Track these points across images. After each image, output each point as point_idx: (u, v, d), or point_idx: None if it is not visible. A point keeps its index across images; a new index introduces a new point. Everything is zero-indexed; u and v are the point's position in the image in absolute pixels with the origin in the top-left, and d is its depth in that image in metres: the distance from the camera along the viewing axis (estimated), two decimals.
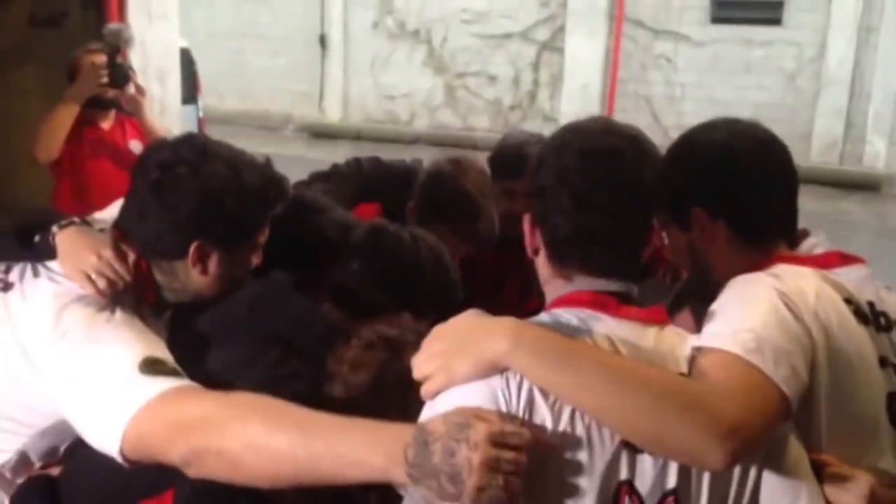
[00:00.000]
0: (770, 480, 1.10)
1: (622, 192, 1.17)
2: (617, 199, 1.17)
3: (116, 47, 3.16)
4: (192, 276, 1.46)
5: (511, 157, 2.18)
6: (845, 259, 1.33)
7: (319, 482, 1.11)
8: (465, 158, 2.07)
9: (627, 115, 10.35)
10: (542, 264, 1.24)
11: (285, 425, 1.13)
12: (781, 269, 1.26)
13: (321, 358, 1.37)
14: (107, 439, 1.23)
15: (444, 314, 1.57)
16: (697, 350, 1.12)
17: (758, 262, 1.29)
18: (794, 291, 1.19)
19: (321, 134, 11.60)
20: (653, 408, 1.01)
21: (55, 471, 1.41)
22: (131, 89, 3.25)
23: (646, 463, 1.06)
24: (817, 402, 1.18)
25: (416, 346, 1.21)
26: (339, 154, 10.08)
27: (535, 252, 1.24)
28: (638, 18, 10.18)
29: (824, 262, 1.31)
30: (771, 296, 1.17)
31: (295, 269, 1.63)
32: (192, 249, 1.43)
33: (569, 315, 1.15)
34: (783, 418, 1.09)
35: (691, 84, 10.08)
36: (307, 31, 12.00)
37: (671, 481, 1.07)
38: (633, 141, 1.22)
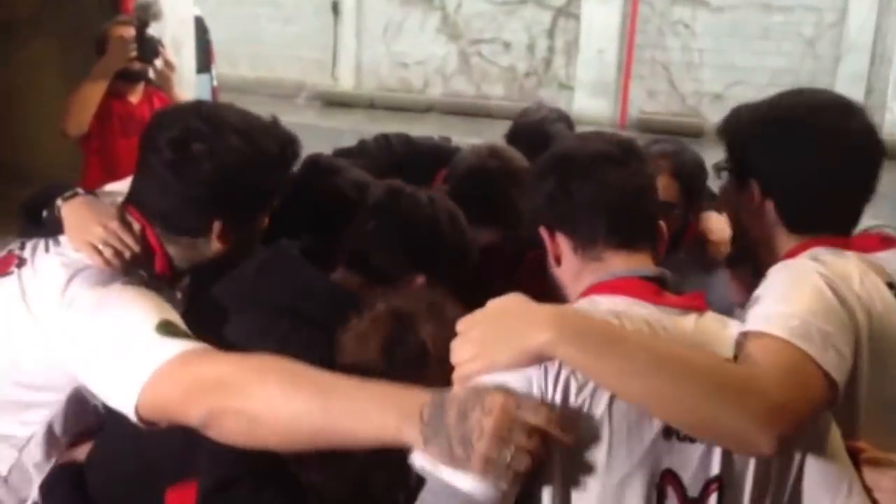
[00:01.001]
0: (812, 469, 1.10)
1: (627, 160, 1.22)
2: (622, 174, 1.21)
3: (145, 21, 3.17)
4: (212, 247, 1.47)
5: (533, 136, 2.16)
6: (886, 242, 1.33)
7: (335, 443, 1.12)
8: (507, 152, 1.98)
9: (644, 81, 10.24)
10: (566, 266, 1.24)
11: (303, 386, 1.13)
12: (822, 252, 1.25)
13: (332, 326, 1.36)
14: (123, 399, 1.24)
15: (459, 277, 1.57)
16: (744, 335, 1.12)
17: (796, 245, 1.29)
18: (838, 275, 1.19)
19: (334, 102, 11.54)
20: (700, 393, 1.00)
21: (81, 455, 1.42)
22: (160, 63, 3.26)
23: (686, 451, 1.06)
24: (858, 385, 1.18)
25: (428, 316, 1.21)
26: (351, 122, 10.06)
27: (559, 260, 1.25)
28: None
29: (864, 245, 1.30)
30: (816, 280, 1.16)
31: (315, 232, 1.63)
32: (216, 226, 1.44)
33: (607, 301, 1.14)
34: (830, 403, 1.08)
35: (709, 50, 9.93)
36: None
37: (715, 468, 1.06)
38: (622, 147, 1.26)
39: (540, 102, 2.70)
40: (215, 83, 6.99)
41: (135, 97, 3.34)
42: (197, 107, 1.52)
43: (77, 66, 3.30)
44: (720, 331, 1.14)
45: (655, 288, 1.16)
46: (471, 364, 1.07)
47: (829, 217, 1.32)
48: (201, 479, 1.25)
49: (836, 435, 1.14)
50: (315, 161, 1.86)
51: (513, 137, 2.25)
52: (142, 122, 3.31)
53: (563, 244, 1.24)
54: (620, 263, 1.19)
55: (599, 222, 1.20)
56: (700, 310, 1.16)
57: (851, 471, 1.13)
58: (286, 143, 1.49)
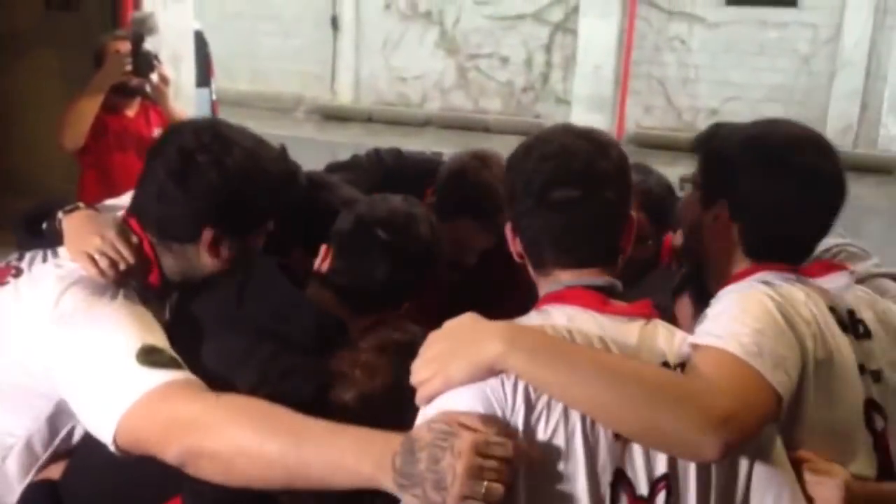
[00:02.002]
0: (758, 475, 1.14)
1: (579, 186, 1.21)
2: (574, 191, 1.20)
3: (141, 35, 3.18)
4: (202, 259, 1.48)
5: None
6: (828, 267, 1.38)
7: (309, 487, 1.13)
8: (488, 151, 2.06)
9: (641, 96, 10.30)
10: (529, 267, 1.29)
11: (277, 431, 1.14)
12: (771, 277, 1.31)
13: (316, 349, 1.37)
14: (101, 429, 1.25)
15: (431, 272, 1.58)
16: (694, 347, 1.16)
17: (747, 268, 1.34)
18: (787, 300, 1.24)
19: (332, 116, 11.59)
20: (645, 402, 1.05)
21: (56, 473, 1.41)
22: (155, 78, 3.28)
23: (635, 451, 1.10)
24: (803, 407, 1.23)
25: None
26: (350, 136, 10.09)
27: (521, 256, 1.30)
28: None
29: (808, 271, 1.36)
30: (767, 303, 1.22)
31: (304, 246, 1.63)
32: (206, 235, 1.45)
33: (558, 312, 1.19)
34: (773, 418, 1.13)
35: (705, 66, 10.00)
36: (318, 12, 11.96)
37: (661, 467, 1.10)
38: (586, 139, 1.25)
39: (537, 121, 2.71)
40: (215, 97, 7.03)
41: (131, 111, 3.36)
42: (211, 123, 1.55)
43: (78, 78, 3.32)
44: (665, 338, 1.18)
45: (602, 297, 1.20)
46: (429, 384, 1.10)
47: (788, 249, 1.36)
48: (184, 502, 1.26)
49: (778, 446, 1.18)
50: (306, 177, 1.86)
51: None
52: (137, 137, 3.33)
53: (521, 249, 1.30)
54: (569, 277, 1.24)
55: (546, 249, 1.24)
56: (647, 317, 1.20)
57: (792, 479, 1.17)
58: (288, 171, 1.53)
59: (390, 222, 1.52)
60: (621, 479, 1.09)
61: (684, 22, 10.04)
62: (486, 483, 0.99)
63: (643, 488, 1.10)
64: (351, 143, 9.51)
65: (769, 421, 1.13)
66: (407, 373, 1.22)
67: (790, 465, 1.18)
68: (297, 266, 1.55)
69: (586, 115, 10.14)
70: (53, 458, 1.43)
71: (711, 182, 1.40)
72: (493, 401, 1.07)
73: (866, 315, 1.35)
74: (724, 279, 1.36)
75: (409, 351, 1.28)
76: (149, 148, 1.52)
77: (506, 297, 1.77)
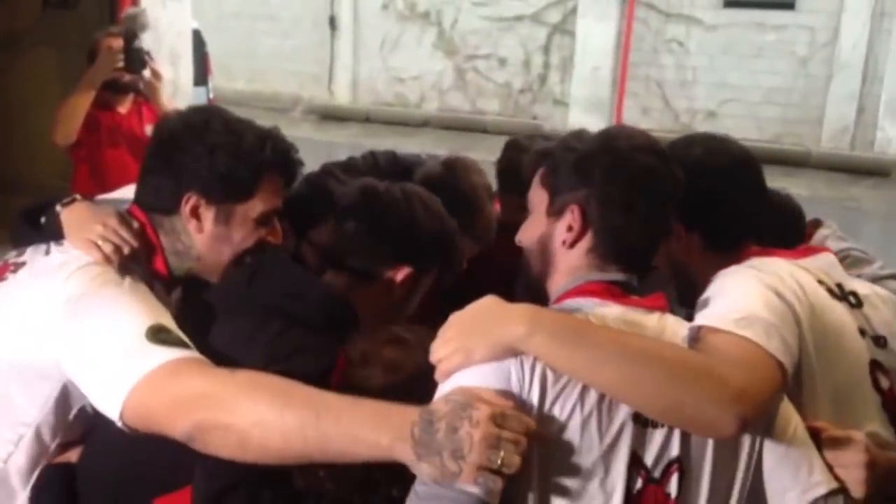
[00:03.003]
0: (771, 452, 1.16)
1: (658, 202, 1.26)
2: (653, 207, 1.26)
3: (133, 31, 3.19)
4: (190, 232, 1.48)
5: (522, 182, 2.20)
6: (811, 250, 1.44)
7: (326, 460, 1.13)
8: (460, 160, 2.08)
9: (639, 98, 10.31)
10: (573, 255, 1.27)
11: (295, 403, 1.14)
12: (756, 260, 1.35)
13: (327, 328, 1.38)
14: (108, 404, 1.24)
15: (446, 265, 1.59)
16: (695, 330, 1.19)
17: (733, 261, 1.38)
18: (772, 275, 1.28)
19: (330, 116, 11.59)
20: (666, 379, 1.07)
21: (74, 457, 1.42)
22: (148, 74, 3.28)
23: (650, 434, 1.12)
24: (809, 373, 1.26)
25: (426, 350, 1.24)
26: (347, 136, 10.09)
27: (573, 243, 1.26)
28: (650, 1, 10.11)
29: (793, 254, 1.41)
30: (753, 281, 1.26)
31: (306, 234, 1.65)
32: (184, 201, 1.45)
33: (578, 304, 1.21)
34: (782, 386, 1.15)
35: (703, 68, 10.01)
36: (317, 13, 11.96)
37: (674, 450, 1.12)
38: (663, 158, 1.29)
39: (530, 134, 2.70)
40: (212, 96, 7.03)
41: (123, 108, 3.36)
42: (202, 107, 1.60)
43: (75, 76, 3.31)
44: (679, 329, 1.21)
45: (620, 290, 1.23)
46: (449, 360, 1.12)
47: (746, 226, 1.43)
48: (195, 489, 1.25)
49: (792, 416, 1.19)
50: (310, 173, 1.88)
51: (503, 178, 2.28)
52: (130, 133, 3.34)
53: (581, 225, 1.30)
54: (600, 274, 1.26)
55: (610, 248, 1.26)
56: (662, 309, 1.23)
57: (812, 450, 1.18)
58: (269, 139, 1.51)
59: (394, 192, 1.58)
60: (636, 462, 1.11)
61: (682, 24, 10.06)
62: (502, 453, 1.01)
63: (657, 471, 1.11)
64: (348, 143, 9.51)
65: (778, 390, 1.14)
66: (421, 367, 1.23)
67: (808, 436, 1.19)
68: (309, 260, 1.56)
69: (584, 116, 10.16)
70: (68, 445, 1.43)
71: None
72: (511, 380, 1.09)
73: (859, 289, 1.39)
74: None
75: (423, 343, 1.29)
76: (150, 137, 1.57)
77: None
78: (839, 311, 1.32)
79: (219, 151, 1.45)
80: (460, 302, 1.19)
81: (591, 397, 1.09)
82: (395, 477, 1.12)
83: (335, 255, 1.55)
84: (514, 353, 1.09)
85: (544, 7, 10.72)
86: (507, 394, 1.08)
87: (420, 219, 1.56)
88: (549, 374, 1.09)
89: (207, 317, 1.44)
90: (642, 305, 1.22)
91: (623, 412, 1.10)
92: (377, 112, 11.48)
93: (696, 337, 1.18)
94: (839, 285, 1.38)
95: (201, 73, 6.32)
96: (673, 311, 1.28)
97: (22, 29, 4.48)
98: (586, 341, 1.09)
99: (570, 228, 1.25)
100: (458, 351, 1.11)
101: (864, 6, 9.16)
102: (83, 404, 1.39)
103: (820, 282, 1.34)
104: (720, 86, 9.88)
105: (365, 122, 11.27)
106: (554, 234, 1.27)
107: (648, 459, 1.11)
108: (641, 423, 1.11)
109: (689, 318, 1.27)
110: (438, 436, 1.02)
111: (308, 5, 12.00)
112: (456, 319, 1.15)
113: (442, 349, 1.13)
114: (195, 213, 1.47)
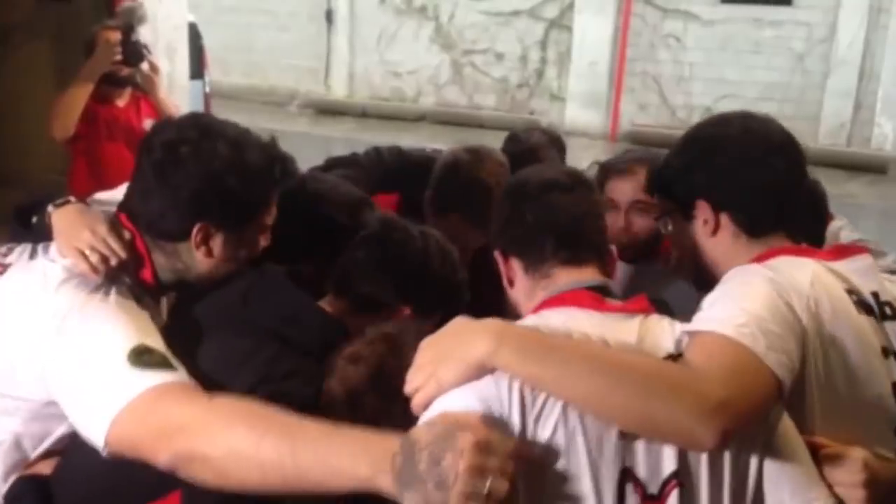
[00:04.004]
0: (771, 466, 1.12)
1: (573, 187, 1.33)
2: (570, 193, 1.32)
3: (131, 24, 3.18)
4: (196, 258, 1.45)
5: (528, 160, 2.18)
6: (848, 250, 1.36)
7: (307, 490, 1.11)
8: (483, 148, 2.06)
9: (636, 94, 10.30)
10: (519, 287, 1.31)
11: (272, 433, 1.12)
12: (780, 260, 1.29)
13: (318, 354, 1.36)
14: (92, 434, 1.23)
15: (449, 314, 1.58)
16: (691, 334, 1.15)
17: (759, 253, 1.32)
18: (787, 281, 1.22)
19: (326, 110, 11.55)
20: (639, 392, 1.03)
21: (47, 470, 1.39)
22: (146, 67, 3.27)
23: (642, 449, 1.08)
24: (809, 389, 1.21)
25: (415, 347, 1.23)
26: (343, 130, 10.06)
27: (512, 282, 1.33)
28: None
29: (826, 254, 1.34)
30: (764, 285, 1.20)
31: (308, 258, 1.62)
32: (195, 231, 1.42)
33: (555, 314, 1.19)
34: (774, 400, 1.11)
35: (700, 63, 10.00)
36: (313, 7, 11.91)
37: (669, 465, 1.08)
38: (569, 174, 1.38)
39: (530, 127, 2.68)
40: (208, 89, 6.99)
41: (121, 101, 3.35)
42: (195, 117, 1.53)
43: (71, 70, 3.30)
44: (665, 331, 1.18)
45: (598, 296, 1.21)
46: (424, 391, 1.10)
47: (778, 207, 1.38)
48: (184, 496, 1.24)
49: (792, 432, 1.16)
50: (302, 184, 1.77)
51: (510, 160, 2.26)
52: (128, 127, 3.33)
53: (516, 266, 1.32)
54: (567, 278, 1.25)
55: (548, 240, 1.27)
56: (645, 312, 1.20)
57: (811, 467, 1.15)
58: (276, 159, 1.48)
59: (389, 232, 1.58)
60: (629, 478, 1.07)
61: (679, 19, 10.04)
62: (489, 481, 0.98)
63: (654, 487, 1.08)
64: (345, 137, 9.50)
65: (770, 404, 1.11)
66: (391, 361, 1.22)
67: (807, 452, 1.16)
68: (309, 278, 1.54)
69: (581, 111, 10.14)
70: (43, 456, 1.40)
71: (684, 195, 1.42)
72: (488, 400, 1.06)
73: (893, 296, 1.33)
74: None
75: (395, 340, 1.28)
76: (139, 145, 1.50)
77: (502, 297, 1.77)
78: (862, 328, 1.26)
79: (228, 178, 1.41)
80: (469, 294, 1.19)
81: (574, 412, 1.06)
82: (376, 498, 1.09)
83: (342, 281, 1.54)
84: (484, 371, 1.07)
85: (541, 2, 10.69)
86: (488, 417, 1.05)
87: (433, 265, 1.55)
88: (527, 392, 1.06)
89: (199, 330, 1.41)
90: (622, 310, 1.19)
91: (609, 425, 1.07)
92: (374, 106, 11.44)
93: (692, 339, 1.14)
94: (874, 294, 1.31)
95: (197, 67, 6.29)
96: (687, 298, 1.28)
97: (17, 21, 4.45)
98: (555, 355, 1.06)
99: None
100: (431, 378, 1.09)
101: (862, 2, 9.14)
102: (67, 424, 1.36)
103: (850, 291, 1.27)
104: (717, 81, 9.87)
105: (361, 117, 11.23)
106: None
107: (642, 473, 1.08)
108: (630, 436, 1.07)
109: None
110: (421, 467, 0.99)
111: None
112: (427, 344, 1.13)
113: (416, 379, 1.11)
114: (205, 241, 1.44)
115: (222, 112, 1.57)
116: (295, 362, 1.35)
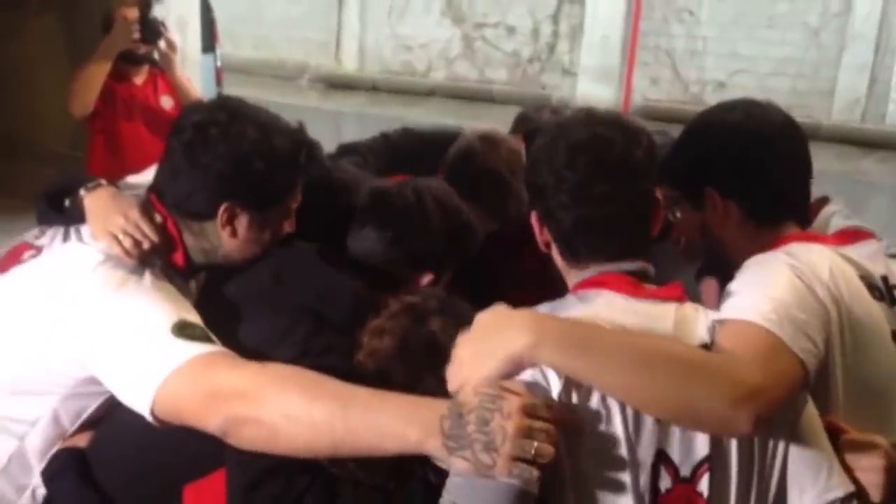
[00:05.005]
0: (795, 453, 1.14)
1: (616, 179, 1.22)
2: (612, 185, 1.21)
3: (148, 2, 3.19)
4: (222, 238, 1.48)
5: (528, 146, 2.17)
6: (856, 235, 1.39)
7: (356, 453, 1.14)
8: (497, 134, 2.05)
9: (648, 68, 10.20)
10: (556, 257, 1.30)
11: (324, 396, 1.15)
12: (795, 247, 1.30)
13: (352, 331, 1.39)
14: (138, 399, 1.26)
15: (466, 257, 1.59)
16: (720, 322, 1.17)
17: (769, 241, 1.34)
18: (808, 267, 1.23)
19: (337, 84, 11.51)
20: (676, 382, 1.06)
21: (82, 441, 1.42)
22: (163, 45, 3.27)
23: (676, 433, 1.11)
24: (833, 374, 1.23)
25: (440, 312, 1.25)
26: (354, 105, 10.02)
27: (547, 246, 1.31)
28: None
29: (836, 240, 1.36)
30: (787, 272, 1.22)
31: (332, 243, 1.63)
32: (221, 211, 1.46)
33: (597, 297, 1.20)
34: (802, 387, 1.13)
35: (714, 38, 9.89)
36: None
37: (703, 449, 1.11)
38: (617, 127, 1.25)
39: (540, 105, 2.65)
40: (219, 63, 6.97)
41: (139, 79, 3.37)
42: (226, 100, 1.57)
43: (84, 41, 3.32)
44: (698, 319, 1.20)
45: (635, 280, 1.21)
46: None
47: (789, 199, 1.39)
48: (230, 475, 1.26)
49: (814, 418, 1.18)
50: (328, 180, 1.78)
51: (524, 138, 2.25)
52: (145, 105, 3.35)
53: (551, 239, 1.30)
54: (603, 267, 1.25)
55: (583, 244, 1.25)
56: (679, 299, 1.21)
57: (830, 452, 1.18)
58: (302, 144, 1.52)
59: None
60: (663, 459, 1.10)
61: None
62: (536, 443, 1.00)
63: (686, 470, 1.11)
64: (355, 111, 9.47)
65: (799, 390, 1.13)
66: (415, 331, 1.24)
67: (827, 439, 1.18)
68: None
69: (593, 86, 10.06)
70: (80, 429, 1.44)
71: (691, 183, 1.42)
72: (532, 375, 1.10)
73: None
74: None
75: (418, 309, 1.30)
76: (170, 126, 1.54)
77: (507, 281, 1.78)
78: (876, 314, 1.28)
79: (255, 161, 1.44)
80: (470, 277, 1.20)
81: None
82: (429, 463, 1.12)
83: (355, 265, 1.56)
84: (524, 365, 1.09)
85: None
86: (533, 384, 1.08)
87: (433, 224, 1.56)
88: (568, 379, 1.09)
89: (232, 310, 1.44)
90: (657, 296, 1.20)
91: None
92: (384, 81, 11.39)
93: (721, 327, 1.16)
94: (884, 278, 1.33)
95: (209, 41, 6.26)
96: (690, 287, 1.28)
97: None
98: (593, 347, 1.08)
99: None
100: (472, 377, 1.10)
101: None
102: (102, 399, 1.39)
103: (862, 277, 1.29)
104: (731, 56, 9.77)
105: (372, 91, 11.19)
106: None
107: (675, 457, 1.10)
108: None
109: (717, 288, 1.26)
110: (469, 428, 1.02)
111: None
112: (465, 341, 1.14)
113: (456, 377, 1.12)
114: (231, 221, 1.47)
115: (233, 87, 1.60)
116: (329, 339, 1.37)
